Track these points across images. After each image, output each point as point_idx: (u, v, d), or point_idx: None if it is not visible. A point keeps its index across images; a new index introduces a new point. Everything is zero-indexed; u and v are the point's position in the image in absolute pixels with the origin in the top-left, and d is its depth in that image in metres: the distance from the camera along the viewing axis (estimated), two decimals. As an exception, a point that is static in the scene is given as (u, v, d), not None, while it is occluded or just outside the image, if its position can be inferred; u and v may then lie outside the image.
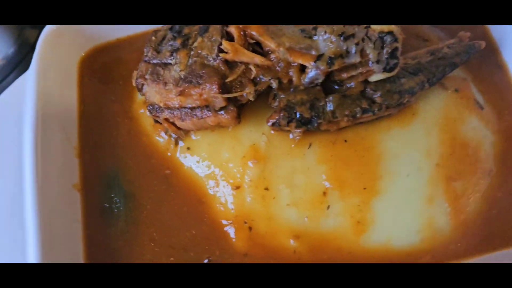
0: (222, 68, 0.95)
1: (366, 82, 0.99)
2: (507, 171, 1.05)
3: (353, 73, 0.96)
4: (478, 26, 1.17)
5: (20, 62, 1.27)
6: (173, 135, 1.09)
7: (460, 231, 1.00)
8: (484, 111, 1.07)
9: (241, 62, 0.95)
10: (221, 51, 0.96)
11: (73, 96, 1.15)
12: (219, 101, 0.94)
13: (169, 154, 1.08)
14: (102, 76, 1.18)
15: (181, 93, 0.95)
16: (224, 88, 0.94)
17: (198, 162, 1.05)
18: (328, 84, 1.00)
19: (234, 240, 0.99)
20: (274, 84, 0.95)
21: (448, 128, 1.02)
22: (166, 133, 1.09)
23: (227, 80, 0.94)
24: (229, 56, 0.94)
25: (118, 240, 1.00)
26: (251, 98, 0.95)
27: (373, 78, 0.97)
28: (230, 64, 0.95)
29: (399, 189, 0.98)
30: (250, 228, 0.99)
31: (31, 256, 0.92)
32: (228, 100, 0.94)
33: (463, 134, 1.02)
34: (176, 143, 1.08)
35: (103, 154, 1.10)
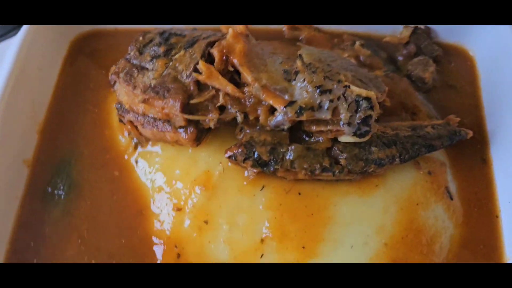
0: (191, 88, 0.92)
1: (335, 140, 0.95)
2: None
3: (323, 128, 0.91)
4: (474, 114, 1.13)
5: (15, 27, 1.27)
6: (135, 139, 1.07)
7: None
8: (453, 202, 1.02)
9: (212, 87, 0.93)
10: (196, 70, 0.94)
11: (54, 73, 1.14)
12: (179, 119, 0.91)
13: (126, 157, 1.06)
14: (88, 61, 1.17)
15: (144, 101, 0.93)
16: (187, 108, 0.91)
17: (150, 172, 1.02)
18: (299, 132, 0.97)
19: (159, 261, 0.96)
20: (239, 118, 0.92)
21: (408, 210, 0.96)
22: (129, 134, 1.07)
23: (192, 101, 0.91)
24: (201, 78, 0.91)
25: (48, 228, 0.97)
26: (212, 125, 0.91)
27: (343, 138, 0.93)
28: (201, 86, 0.93)
29: (338, 259, 0.93)
30: (178, 255, 0.96)
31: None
32: (190, 121, 0.92)
33: (423, 221, 0.97)
34: (135, 148, 1.06)
35: (63, 137, 1.08)
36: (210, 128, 0.93)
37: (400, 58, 1.17)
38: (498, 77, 1.12)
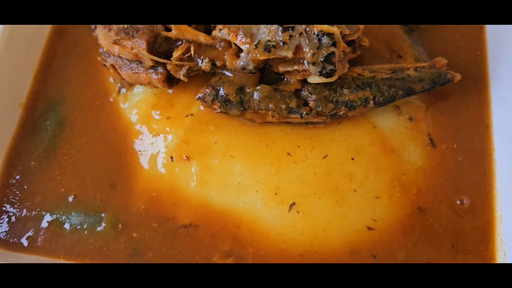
0: (159, 28, 0.92)
1: (306, 82, 0.93)
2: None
3: (289, 68, 0.89)
4: (476, 50, 1.04)
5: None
6: (118, 84, 1.10)
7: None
8: (436, 149, 0.96)
9: (185, 40, 0.93)
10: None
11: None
12: (146, 59, 0.92)
13: (111, 99, 1.09)
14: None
15: (116, 42, 0.94)
16: (153, 47, 0.92)
17: (131, 111, 1.05)
18: (271, 75, 0.95)
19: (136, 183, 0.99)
20: (204, 64, 0.92)
21: (384, 155, 0.94)
22: (113, 79, 1.10)
23: (173, 58, 0.92)
24: (172, 34, 0.92)
25: (34, 161, 1.03)
26: (182, 77, 0.92)
27: (311, 79, 0.90)
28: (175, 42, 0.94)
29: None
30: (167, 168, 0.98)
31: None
32: (158, 62, 0.93)
33: (396, 171, 0.94)
34: (119, 92, 1.09)
35: (54, 80, 1.12)
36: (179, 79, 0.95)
37: (394, -2, 1.10)
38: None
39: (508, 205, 0.88)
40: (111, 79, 1.10)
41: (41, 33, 1.17)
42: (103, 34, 0.99)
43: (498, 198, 0.90)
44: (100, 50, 1.04)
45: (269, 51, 0.86)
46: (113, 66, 1.03)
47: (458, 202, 0.92)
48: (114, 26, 0.98)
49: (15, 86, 1.10)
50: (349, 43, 0.91)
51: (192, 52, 0.92)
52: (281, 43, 0.85)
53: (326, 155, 0.93)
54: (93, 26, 1.03)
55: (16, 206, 0.99)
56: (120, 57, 0.98)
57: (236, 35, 0.89)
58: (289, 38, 0.85)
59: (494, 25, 1.03)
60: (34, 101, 1.11)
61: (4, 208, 0.99)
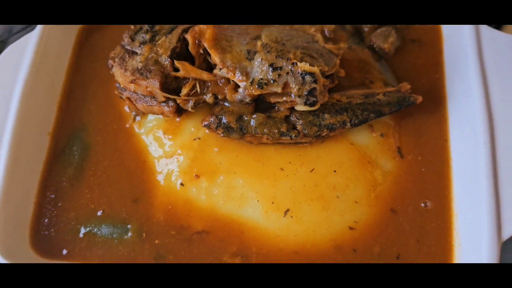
0: (169, 69, 1.10)
1: (293, 109, 1.11)
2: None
3: (279, 99, 1.08)
4: (435, 71, 1.24)
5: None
6: (133, 112, 1.27)
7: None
8: (403, 160, 1.15)
9: (192, 78, 1.11)
10: (173, 53, 1.11)
11: (68, 54, 1.36)
12: (159, 95, 1.10)
13: (127, 125, 1.27)
14: (99, 38, 1.38)
15: (132, 82, 1.12)
16: (165, 86, 1.10)
17: (147, 136, 1.23)
18: (264, 104, 1.14)
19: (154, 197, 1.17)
20: (208, 98, 1.10)
21: (361, 167, 1.13)
22: (129, 108, 1.27)
23: (181, 94, 1.10)
24: (180, 74, 1.10)
25: (65, 183, 1.21)
26: (190, 108, 1.11)
27: (298, 108, 1.09)
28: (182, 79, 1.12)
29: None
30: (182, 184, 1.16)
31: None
32: (169, 98, 1.11)
33: (372, 176, 1.13)
34: (134, 119, 1.27)
35: (77, 109, 1.30)
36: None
37: (366, 29, 1.28)
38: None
39: (463, 205, 1.08)
40: (126, 108, 1.28)
41: (61, 69, 1.35)
42: (120, 73, 1.17)
43: (455, 200, 1.10)
44: (117, 85, 1.21)
45: (262, 88, 1.04)
46: (128, 98, 1.21)
47: (422, 204, 1.11)
48: (130, 67, 1.15)
49: (42, 117, 1.28)
50: (328, 75, 1.10)
51: (198, 89, 1.11)
52: (272, 81, 1.04)
53: (313, 169, 1.12)
54: (110, 64, 1.20)
55: (53, 221, 1.17)
56: (136, 92, 1.17)
57: (234, 74, 1.07)
58: (278, 77, 1.03)
59: (450, 51, 1.23)
60: (60, 129, 1.28)
61: (44, 222, 1.17)
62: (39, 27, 1.28)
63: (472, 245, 1.01)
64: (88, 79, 1.34)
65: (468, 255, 1.02)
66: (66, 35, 1.36)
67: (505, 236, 0.96)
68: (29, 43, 1.26)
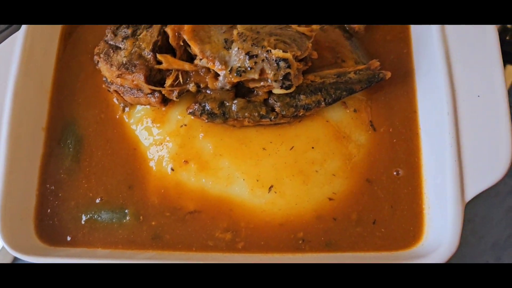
0: (152, 62, 1.17)
1: (271, 93, 1.19)
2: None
3: (257, 85, 1.16)
4: (403, 47, 1.32)
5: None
6: (121, 104, 1.34)
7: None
8: (376, 132, 1.24)
9: (174, 69, 1.18)
10: (155, 46, 1.18)
11: (54, 51, 1.41)
12: (145, 88, 1.17)
13: (117, 116, 1.34)
14: (86, 30, 1.44)
15: (119, 76, 1.19)
16: (150, 78, 1.17)
17: (136, 126, 1.30)
18: (243, 89, 1.21)
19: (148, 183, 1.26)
20: (190, 87, 1.18)
21: (336, 141, 1.21)
22: (117, 100, 1.34)
23: (166, 85, 1.18)
24: (164, 66, 1.17)
25: (63, 175, 1.29)
26: (174, 98, 1.18)
27: (275, 91, 1.16)
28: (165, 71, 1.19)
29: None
30: (172, 169, 1.24)
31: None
32: (155, 90, 1.18)
33: (348, 150, 1.22)
34: (123, 110, 1.34)
35: (67, 103, 1.36)
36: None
37: (337, 10, 1.35)
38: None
39: (431, 172, 1.17)
40: (114, 100, 1.34)
41: (49, 65, 1.40)
42: (106, 68, 1.23)
43: (424, 167, 1.19)
44: (104, 79, 1.27)
45: (240, 75, 1.12)
46: (116, 91, 1.27)
47: (394, 173, 1.21)
48: (115, 62, 1.21)
49: (36, 113, 1.34)
50: (302, 59, 1.17)
51: (181, 79, 1.17)
52: (249, 68, 1.11)
53: (293, 147, 1.21)
54: (95, 60, 1.27)
55: (55, 210, 1.25)
56: (123, 86, 1.23)
57: (214, 63, 1.14)
58: (255, 64, 1.10)
59: (416, 26, 1.30)
60: (53, 124, 1.35)
61: (47, 212, 1.25)
62: (24, 27, 1.33)
63: (439, 208, 1.12)
64: (75, 73, 1.40)
65: (436, 217, 1.13)
66: (50, 32, 1.40)
67: (468, 197, 1.06)
68: (16, 43, 1.32)
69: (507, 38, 1.68)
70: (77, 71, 1.41)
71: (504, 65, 1.69)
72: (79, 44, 1.44)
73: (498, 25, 1.63)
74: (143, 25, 1.24)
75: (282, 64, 1.09)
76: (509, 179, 1.44)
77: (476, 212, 1.41)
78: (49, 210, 1.26)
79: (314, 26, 1.28)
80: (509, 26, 1.70)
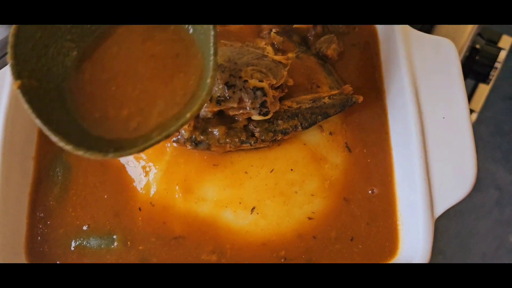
0: (136, 93, 1.23)
1: (250, 119, 1.25)
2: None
3: (237, 112, 1.22)
4: (374, 71, 1.39)
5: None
6: (108, 131, 1.40)
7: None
8: (351, 153, 1.31)
9: None
10: (138, 79, 1.24)
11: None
12: (130, 118, 1.23)
13: (103, 144, 1.39)
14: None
15: (104, 107, 1.25)
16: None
17: (121, 155, 1.36)
18: (225, 117, 1.27)
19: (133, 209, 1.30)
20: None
21: (313, 163, 1.28)
22: (103, 128, 1.40)
23: None
24: None
25: (52, 202, 1.33)
26: None
27: (254, 117, 1.23)
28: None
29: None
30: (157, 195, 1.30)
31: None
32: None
33: (325, 171, 1.28)
34: (109, 138, 1.39)
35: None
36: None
37: (311, 38, 1.42)
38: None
39: (403, 189, 1.24)
40: (101, 129, 1.40)
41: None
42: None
43: (396, 185, 1.26)
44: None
45: (220, 104, 1.18)
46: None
47: (370, 191, 1.28)
48: (101, 94, 1.27)
49: (25, 143, 1.38)
50: (278, 86, 1.24)
51: (164, 109, 1.23)
52: (228, 97, 1.17)
53: (273, 169, 1.27)
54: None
55: (45, 238, 1.29)
56: (109, 116, 1.29)
57: (195, 93, 1.20)
58: (233, 93, 1.17)
59: (385, 53, 1.38)
60: (41, 153, 1.39)
61: (37, 240, 1.29)
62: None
63: (412, 224, 1.18)
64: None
65: (409, 232, 1.19)
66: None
67: (437, 213, 1.13)
68: (6, 77, 1.37)
69: (477, 58, 1.77)
70: (63, 101, 1.46)
71: (476, 84, 1.79)
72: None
73: (467, 45, 1.72)
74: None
75: (258, 93, 1.16)
76: (495, 190, 1.52)
77: (463, 225, 1.47)
78: (39, 238, 1.30)
79: (290, 54, 1.36)
80: (477, 46, 1.79)
